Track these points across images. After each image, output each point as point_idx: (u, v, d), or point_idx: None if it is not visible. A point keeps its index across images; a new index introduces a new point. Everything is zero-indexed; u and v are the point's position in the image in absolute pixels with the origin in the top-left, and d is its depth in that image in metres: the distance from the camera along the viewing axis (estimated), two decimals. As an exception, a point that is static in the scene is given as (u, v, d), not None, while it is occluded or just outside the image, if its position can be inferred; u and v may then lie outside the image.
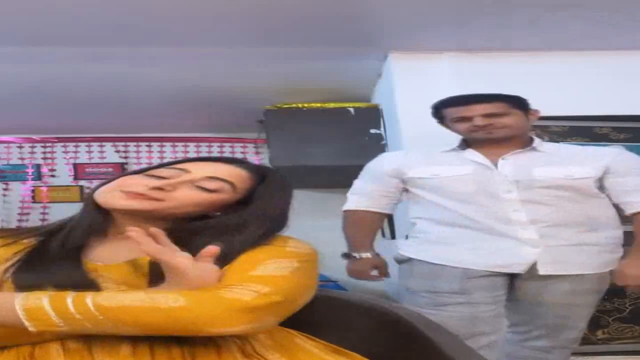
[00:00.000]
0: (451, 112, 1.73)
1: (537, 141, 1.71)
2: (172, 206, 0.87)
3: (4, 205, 3.58)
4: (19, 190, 3.61)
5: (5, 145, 3.57)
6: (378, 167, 1.79)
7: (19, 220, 3.54)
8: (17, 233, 0.90)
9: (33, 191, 3.61)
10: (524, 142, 1.71)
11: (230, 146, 3.55)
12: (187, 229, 0.88)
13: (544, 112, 2.17)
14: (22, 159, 3.59)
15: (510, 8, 2.11)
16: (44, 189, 3.62)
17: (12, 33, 2.13)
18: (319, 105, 2.87)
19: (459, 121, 1.71)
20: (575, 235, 1.56)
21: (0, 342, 0.72)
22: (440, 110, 1.79)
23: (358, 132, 2.79)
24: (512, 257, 1.56)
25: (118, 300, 0.70)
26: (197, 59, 2.48)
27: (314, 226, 1.87)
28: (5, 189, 3.61)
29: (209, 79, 2.70)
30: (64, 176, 3.62)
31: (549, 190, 1.59)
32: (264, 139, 3.11)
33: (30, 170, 3.61)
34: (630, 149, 1.69)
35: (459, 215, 1.61)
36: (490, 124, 1.65)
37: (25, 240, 0.88)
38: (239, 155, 3.46)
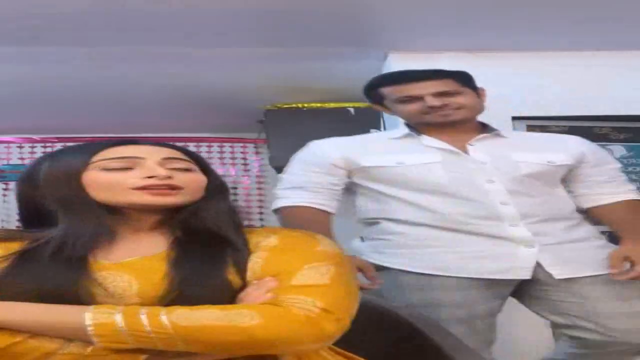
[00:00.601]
0: (393, 91, 1.51)
1: (494, 126, 1.54)
2: (192, 192, 0.86)
3: (4, 205, 3.57)
4: (19, 190, 3.61)
5: (5, 145, 3.55)
6: (320, 157, 1.50)
7: (19, 220, 3.53)
8: (14, 236, 0.88)
9: (33, 191, 3.61)
10: (477, 127, 1.53)
11: (230, 146, 3.53)
12: (188, 215, 0.86)
13: (544, 112, 2.17)
14: (22, 159, 3.57)
15: (510, 8, 2.10)
16: (44, 189, 3.61)
17: (12, 33, 2.13)
18: (319, 105, 2.88)
19: (405, 102, 1.48)
20: (566, 230, 1.41)
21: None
22: (378, 90, 1.56)
23: (358, 132, 2.73)
24: (509, 260, 1.35)
25: (195, 319, 0.68)
26: (197, 59, 2.47)
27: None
28: (5, 189, 3.59)
29: (208, 79, 2.70)
30: (64, 176, 3.61)
31: (530, 179, 1.42)
32: (264, 139, 3.11)
33: (30, 170, 3.60)
34: (630, 149, 1.67)
35: (435, 212, 1.38)
36: (445, 104, 1.44)
37: (17, 244, 0.84)
38: (239, 155, 3.47)
